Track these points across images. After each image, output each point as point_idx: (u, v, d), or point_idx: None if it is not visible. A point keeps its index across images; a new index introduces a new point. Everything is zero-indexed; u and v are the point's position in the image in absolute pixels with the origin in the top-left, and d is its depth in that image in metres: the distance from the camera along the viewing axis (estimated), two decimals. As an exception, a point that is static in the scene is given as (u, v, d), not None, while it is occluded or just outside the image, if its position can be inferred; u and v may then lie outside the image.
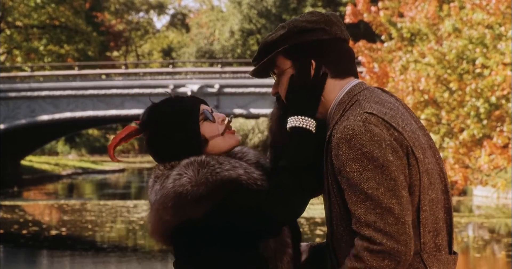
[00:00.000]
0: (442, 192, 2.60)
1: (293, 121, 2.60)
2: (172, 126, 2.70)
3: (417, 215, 2.50)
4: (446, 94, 17.91)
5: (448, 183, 2.63)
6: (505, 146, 17.20)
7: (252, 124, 47.58)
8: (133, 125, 2.82)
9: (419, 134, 2.57)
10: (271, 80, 2.72)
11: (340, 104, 2.59)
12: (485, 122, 17.18)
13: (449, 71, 17.79)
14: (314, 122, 2.59)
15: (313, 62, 2.60)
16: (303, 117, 2.59)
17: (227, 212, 2.54)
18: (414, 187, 2.49)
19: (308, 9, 49.45)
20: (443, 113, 17.98)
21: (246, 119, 45.18)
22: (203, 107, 2.75)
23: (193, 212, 2.55)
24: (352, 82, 2.64)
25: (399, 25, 20.19)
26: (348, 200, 2.46)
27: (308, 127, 2.59)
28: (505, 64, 16.76)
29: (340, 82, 2.62)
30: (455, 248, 16.44)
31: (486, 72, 17.16)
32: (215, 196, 2.54)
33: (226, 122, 2.74)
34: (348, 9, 20.99)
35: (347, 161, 2.45)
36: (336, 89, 2.62)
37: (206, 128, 2.71)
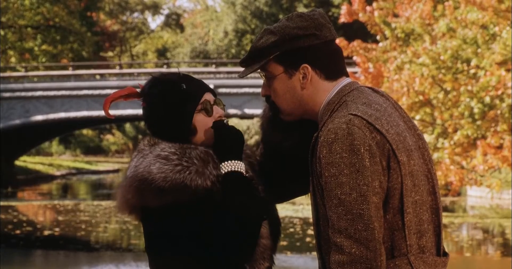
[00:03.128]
0: (428, 193, 2.60)
1: (225, 167, 2.65)
2: (168, 106, 2.71)
3: (401, 217, 2.52)
4: (440, 95, 17.91)
5: (436, 184, 2.64)
6: (499, 147, 17.20)
7: (247, 124, 47.58)
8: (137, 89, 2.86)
9: (406, 136, 2.58)
10: (265, 81, 2.73)
11: (329, 105, 2.62)
12: (479, 122, 17.18)
13: (443, 71, 17.78)
14: (242, 163, 2.67)
15: (308, 67, 2.62)
16: (232, 162, 2.65)
17: (181, 216, 2.59)
18: (394, 190, 2.51)
19: (301, 10, 49.43)
20: (437, 113, 17.98)
21: (240, 120, 45.17)
22: (206, 96, 2.74)
23: (151, 200, 2.60)
24: (343, 82, 2.66)
25: (393, 25, 20.17)
26: (326, 205, 2.50)
27: (239, 169, 2.65)
28: (499, 64, 16.76)
29: (332, 83, 2.65)
30: (449, 248, 16.47)
31: (480, 72, 17.15)
32: (175, 194, 2.58)
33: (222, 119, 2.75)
34: (344, 8, 20.99)
35: (326, 165, 2.48)
36: (327, 91, 2.64)
37: (200, 120, 2.71)
